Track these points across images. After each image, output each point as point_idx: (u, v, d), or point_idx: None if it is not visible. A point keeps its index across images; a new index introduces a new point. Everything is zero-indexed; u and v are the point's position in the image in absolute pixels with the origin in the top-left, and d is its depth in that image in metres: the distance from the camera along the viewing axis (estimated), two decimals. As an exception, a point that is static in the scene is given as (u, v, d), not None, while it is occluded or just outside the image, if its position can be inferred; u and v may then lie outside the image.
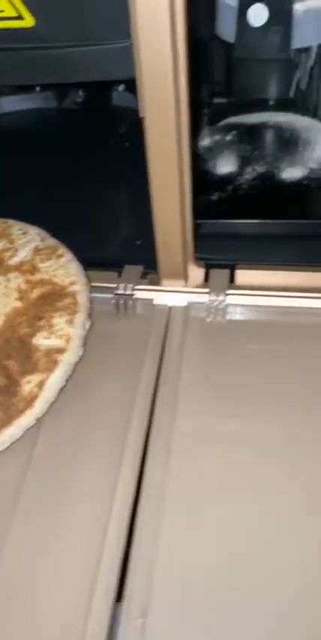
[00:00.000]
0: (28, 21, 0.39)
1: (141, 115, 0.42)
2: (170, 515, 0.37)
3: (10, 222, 0.58)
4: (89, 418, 0.44)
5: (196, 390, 0.45)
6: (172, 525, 0.37)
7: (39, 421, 0.42)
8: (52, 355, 0.45)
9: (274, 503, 0.38)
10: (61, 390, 0.44)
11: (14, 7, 0.39)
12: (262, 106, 0.70)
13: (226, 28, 0.54)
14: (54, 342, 0.46)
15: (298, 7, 0.50)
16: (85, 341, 0.46)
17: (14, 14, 0.39)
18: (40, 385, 0.43)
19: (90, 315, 0.48)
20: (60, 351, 0.45)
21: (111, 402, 0.45)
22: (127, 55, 0.39)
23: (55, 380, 0.43)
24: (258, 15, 0.51)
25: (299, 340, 0.48)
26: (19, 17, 0.39)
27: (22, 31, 0.40)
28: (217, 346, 0.49)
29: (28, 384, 0.43)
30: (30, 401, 0.42)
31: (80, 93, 0.86)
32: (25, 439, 0.42)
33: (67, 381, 0.44)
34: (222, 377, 0.46)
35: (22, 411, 0.42)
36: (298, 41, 0.52)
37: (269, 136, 0.68)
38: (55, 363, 0.44)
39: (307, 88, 0.65)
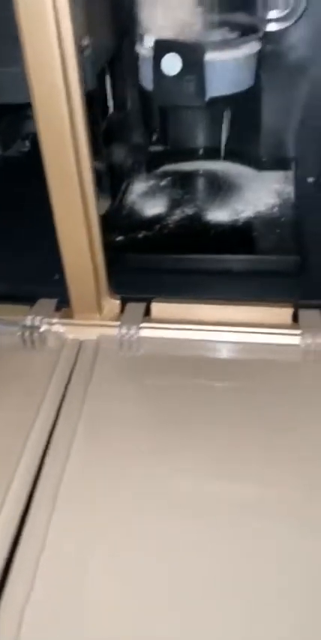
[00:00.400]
0: None
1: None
2: (49, 560, 0.34)
3: None
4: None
5: (95, 430, 0.42)
6: (49, 570, 0.33)
7: None
8: None
9: (167, 549, 0.34)
10: None
11: None
12: (196, 154, 0.72)
13: (146, 78, 0.56)
14: None
15: (209, 58, 0.52)
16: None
17: None
18: None
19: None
20: None
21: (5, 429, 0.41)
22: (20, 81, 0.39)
23: None
24: (171, 65, 0.52)
25: (210, 374, 0.46)
26: None
27: None
28: (124, 381, 0.46)
29: None
30: None
31: (27, 143, 0.87)
32: None
33: None
34: (125, 413, 0.43)
35: None
36: (212, 90, 0.54)
37: (201, 182, 0.69)
38: None
39: (236, 136, 0.67)
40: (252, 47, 0.55)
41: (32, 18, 0.36)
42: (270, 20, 0.56)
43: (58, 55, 0.37)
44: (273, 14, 0.56)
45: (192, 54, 0.52)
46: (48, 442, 0.41)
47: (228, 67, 0.54)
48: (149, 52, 0.53)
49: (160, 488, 0.38)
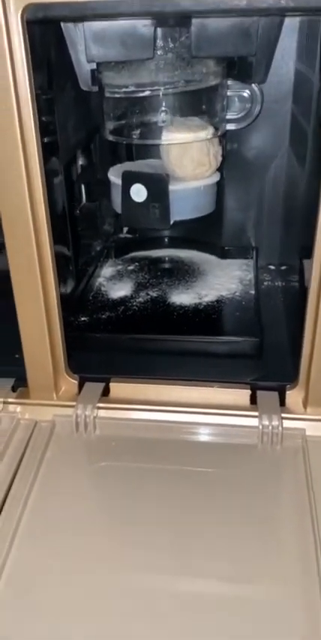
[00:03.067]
0: None
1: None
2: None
3: None
4: None
5: (42, 520, 0.40)
6: None
7: None
8: None
9: None
10: None
11: None
12: (163, 242, 0.75)
13: (116, 201, 0.60)
14: None
15: (173, 188, 0.56)
16: None
17: None
18: None
19: None
20: None
21: None
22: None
23: None
24: (138, 193, 0.56)
25: (167, 457, 0.45)
26: None
27: None
28: (79, 463, 0.45)
29: None
30: None
31: None
32: None
33: None
34: (76, 500, 0.41)
35: None
36: (176, 215, 0.58)
37: (167, 268, 0.71)
38: None
39: (200, 227, 0.70)
40: (212, 179, 0.59)
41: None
42: (228, 121, 0.60)
43: (21, 148, 0.39)
44: (232, 115, 0.60)
45: (156, 185, 0.56)
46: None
47: (190, 195, 0.58)
48: (118, 180, 0.57)
49: (111, 584, 0.35)
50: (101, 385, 0.50)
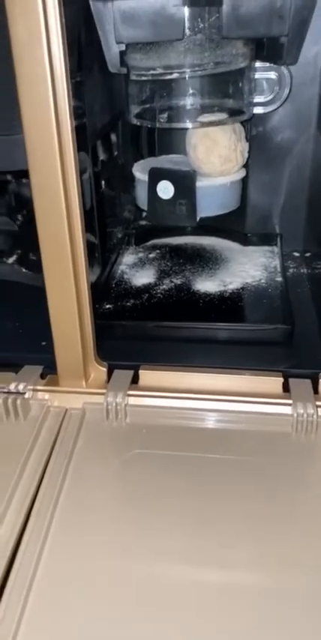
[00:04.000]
0: None
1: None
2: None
3: None
4: None
5: (77, 507, 0.39)
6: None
7: None
8: None
9: None
10: None
11: None
12: (183, 230, 0.74)
13: (141, 197, 0.59)
14: None
15: (200, 185, 0.55)
16: None
17: None
18: None
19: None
20: None
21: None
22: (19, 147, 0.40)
23: None
24: (165, 190, 0.56)
25: (199, 445, 0.44)
26: None
27: None
28: (111, 452, 0.44)
29: None
30: None
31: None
32: None
33: None
34: (109, 488, 0.41)
35: None
36: (203, 212, 0.57)
37: (188, 255, 0.70)
38: None
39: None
40: (238, 175, 0.58)
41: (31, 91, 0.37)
42: (256, 104, 0.59)
43: (55, 132, 0.39)
44: (259, 99, 0.59)
45: (184, 181, 0.55)
46: (27, 518, 0.38)
47: (217, 192, 0.58)
48: (145, 176, 0.56)
49: (144, 572, 0.35)
50: (130, 373, 0.49)
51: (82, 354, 0.48)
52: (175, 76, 0.53)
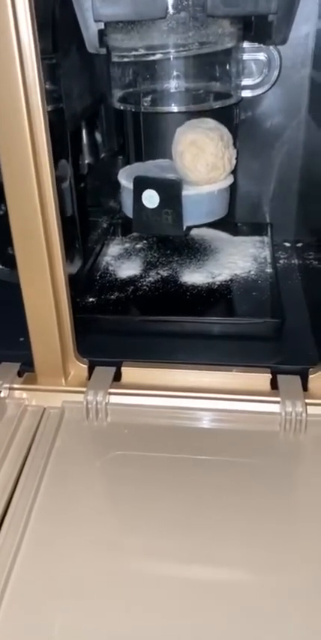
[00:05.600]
0: None
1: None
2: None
3: None
4: None
5: (54, 508, 0.37)
6: None
7: None
8: None
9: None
10: None
11: None
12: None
13: (126, 205, 0.56)
14: None
15: (186, 193, 0.53)
16: None
17: None
18: None
19: None
20: None
21: None
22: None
23: None
24: (150, 198, 0.54)
25: (183, 445, 0.42)
26: None
27: None
28: (90, 453, 0.42)
29: None
30: None
31: None
32: None
33: None
34: (88, 490, 0.39)
35: None
36: (189, 220, 0.55)
37: (177, 245, 0.67)
38: None
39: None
40: (226, 182, 0.56)
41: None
42: (244, 87, 0.57)
43: (26, 116, 0.36)
44: (247, 82, 0.57)
45: (170, 190, 0.53)
46: (1, 522, 0.36)
47: (204, 200, 0.55)
48: (129, 183, 0.54)
49: (124, 576, 0.33)
50: (112, 370, 0.47)
51: (60, 351, 0.46)
52: (158, 56, 0.50)
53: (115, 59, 0.51)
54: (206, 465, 0.41)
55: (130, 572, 0.34)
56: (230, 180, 0.57)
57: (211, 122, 0.54)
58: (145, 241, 0.70)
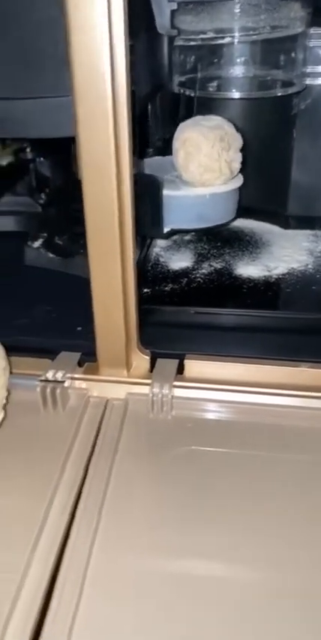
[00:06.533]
0: None
1: (79, 178, 0.38)
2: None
3: None
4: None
5: (123, 508, 0.36)
6: None
7: None
8: None
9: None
10: None
11: None
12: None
13: None
14: None
15: (170, 193, 0.51)
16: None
17: None
18: None
19: (5, 405, 0.40)
20: None
21: (16, 519, 0.35)
22: (66, 111, 0.36)
23: None
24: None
25: (251, 441, 0.41)
26: None
27: None
28: (157, 448, 0.41)
29: None
30: None
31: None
32: None
33: None
34: (158, 490, 0.38)
35: None
36: (173, 223, 0.53)
37: (227, 238, 0.66)
38: None
39: (262, 195, 0.65)
40: (222, 187, 0.53)
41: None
42: (307, 75, 0.55)
43: (111, 102, 0.35)
44: (311, 69, 0.55)
45: (149, 187, 0.50)
46: (72, 518, 0.35)
47: (193, 204, 0.52)
48: None
49: (192, 570, 0.32)
50: (175, 362, 0.46)
51: (125, 341, 0.45)
52: (227, 40, 0.48)
53: (180, 42, 0.50)
54: (273, 462, 0.40)
55: (203, 571, 0.32)
56: (231, 185, 0.53)
57: (216, 120, 0.50)
58: (193, 233, 0.68)
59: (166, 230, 0.53)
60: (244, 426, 0.43)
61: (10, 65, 0.35)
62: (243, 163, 0.54)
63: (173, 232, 0.56)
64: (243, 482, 0.38)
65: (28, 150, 0.82)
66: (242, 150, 0.52)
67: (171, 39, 0.50)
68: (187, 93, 0.53)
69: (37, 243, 0.64)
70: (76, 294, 0.58)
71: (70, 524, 0.35)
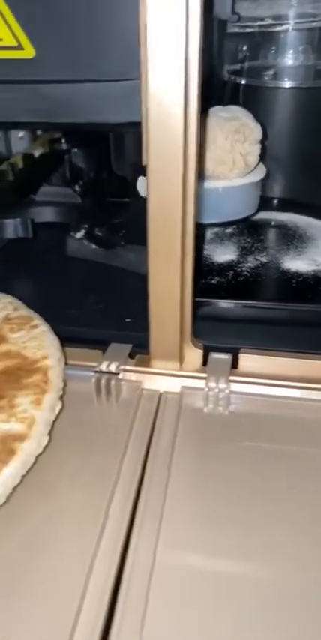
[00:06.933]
0: (28, 52, 0.36)
1: (144, 164, 0.37)
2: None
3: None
4: (48, 531, 0.33)
5: (187, 506, 0.35)
6: None
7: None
8: (9, 443, 0.35)
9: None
10: (15, 488, 0.34)
11: (15, 36, 0.35)
12: (265, 205, 0.68)
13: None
14: (13, 426, 0.36)
15: None
16: (53, 428, 0.37)
17: (14, 44, 0.36)
18: (-13, 482, 0.33)
19: (62, 396, 0.40)
20: (19, 437, 0.35)
21: (79, 512, 0.34)
22: (133, 96, 0.35)
23: (9, 474, 0.33)
24: (142, 187, 0.52)
25: (314, 439, 0.40)
26: (19, 47, 0.36)
27: (20, 62, 0.36)
28: (217, 444, 0.40)
29: (-30, 480, 0.33)
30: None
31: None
32: None
33: (23, 477, 0.34)
34: (219, 487, 0.37)
35: None
36: None
37: (269, 231, 0.65)
38: (11, 452, 0.34)
39: (305, 188, 0.64)
40: (237, 181, 0.53)
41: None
42: None
43: (183, 87, 0.34)
44: None
45: None
46: (131, 517, 0.34)
47: (205, 197, 0.52)
48: None
49: (262, 571, 0.31)
50: (229, 356, 0.45)
51: (179, 334, 0.44)
52: (284, 27, 0.47)
53: (235, 29, 0.48)
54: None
55: (274, 573, 0.31)
56: (250, 178, 0.51)
57: (235, 111, 0.49)
58: (235, 226, 0.67)
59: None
60: (303, 422, 0.42)
61: (78, 46, 0.34)
62: (290, 156, 0.53)
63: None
64: (305, 481, 0.37)
65: (62, 141, 0.82)
66: (280, 142, 0.50)
67: (221, 26, 0.49)
68: (238, 81, 0.52)
69: (79, 234, 0.63)
70: (121, 286, 0.57)
71: (132, 523, 0.34)
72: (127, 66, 0.34)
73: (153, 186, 0.37)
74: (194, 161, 0.37)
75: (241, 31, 0.49)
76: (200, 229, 0.56)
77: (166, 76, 0.33)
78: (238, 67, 0.51)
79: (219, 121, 0.48)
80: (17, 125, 0.57)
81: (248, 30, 0.48)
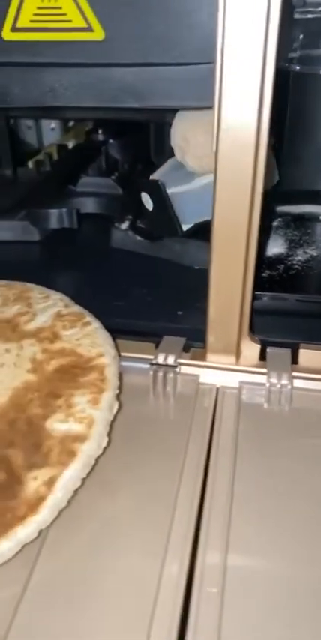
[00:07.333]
0: (98, 34, 0.35)
1: (213, 150, 0.36)
2: None
3: (30, 285, 0.50)
4: (113, 533, 0.32)
5: (254, 508, 0.34)
6: None
7: (44, 533, 0.31)
8: (69, 444, 0.34)
9: None
10: (77, 490, 0.33)
11: (84, 17, 0.34)
12: (311, 198, 0.67)
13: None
14: (72, 426, 0.35)
15: (176, 190, 0.51)
16: (112, 427, 0.36)
17: (84, 25, 0.35)
18: (50, 483, 0.32)
19: (118, 395, 0.39)
20: (79, 438, 0.34)
21: (143, 513, 0.33)
22: (207, 81, 0.34)
23: (70, 476, 0.32)
24: (147, 201, 0.53)
25: None
26: (89, 29, 0.35)
27: (90, 44, 0.35)
28: (278, 442, 0.39)
29: (33, 480, 0.32)
30: (34, 504, 0.31)
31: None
32: (23, 558, 0.30)
33: (84, 479, 0.33)
34: (286, 487, 0.35)
35: (21, 519, 0.30)
36: (191, 218, 0.52)
37: (318, 225, 0.63)
38: (71, 454, 0.33)
39: None
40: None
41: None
42: None
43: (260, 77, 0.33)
44: None
45: (154, 192, 0.51)
46: (199, 517, 0.33)
47: (202, 195, 0.50)
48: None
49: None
50: (288, 351, 0.44)
51: (238, 328, 0.43)
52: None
53: (297, 16, 0.47)
54: None
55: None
56: None
57: None
58: (280, 219, 0.66)
59: (188, 226, 0.54)
60: None
61: (150, 28, 0.33)
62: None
63: (199, 226, 0.54)
64: None
65: (99, 131, 0.81)
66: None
67: (291, 10, 0.47)
68: (296, 70, 0.50)
69: (124, 226, 0.62)
70: (167, 278, 0.56)
71: (198, 523, 0.33)
72: (202, 49, 0.33)
73: (221, 174, 0.36)
74: (265, 145, 0.35)
75: (302, 17, 0.47)
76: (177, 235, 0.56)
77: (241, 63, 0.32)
78: (296, 54, 0.50)
79: (193, 117, 0.48)
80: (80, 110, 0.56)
81: (310, 16, 0.46)
